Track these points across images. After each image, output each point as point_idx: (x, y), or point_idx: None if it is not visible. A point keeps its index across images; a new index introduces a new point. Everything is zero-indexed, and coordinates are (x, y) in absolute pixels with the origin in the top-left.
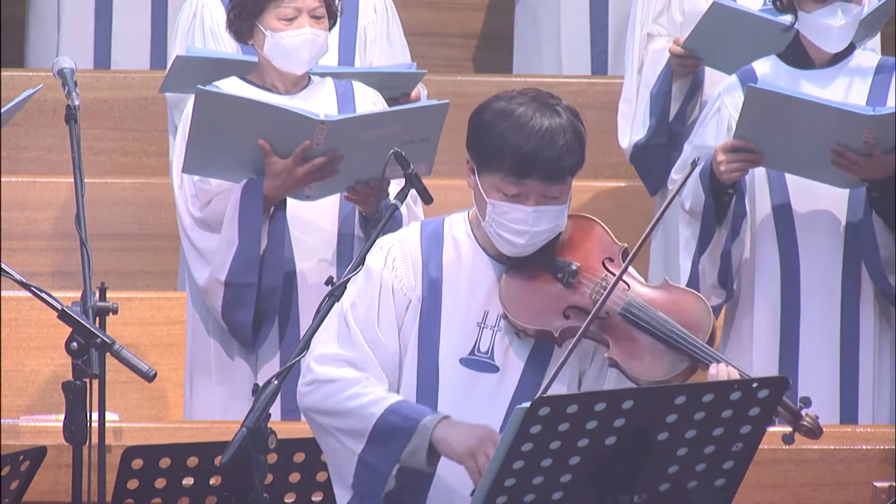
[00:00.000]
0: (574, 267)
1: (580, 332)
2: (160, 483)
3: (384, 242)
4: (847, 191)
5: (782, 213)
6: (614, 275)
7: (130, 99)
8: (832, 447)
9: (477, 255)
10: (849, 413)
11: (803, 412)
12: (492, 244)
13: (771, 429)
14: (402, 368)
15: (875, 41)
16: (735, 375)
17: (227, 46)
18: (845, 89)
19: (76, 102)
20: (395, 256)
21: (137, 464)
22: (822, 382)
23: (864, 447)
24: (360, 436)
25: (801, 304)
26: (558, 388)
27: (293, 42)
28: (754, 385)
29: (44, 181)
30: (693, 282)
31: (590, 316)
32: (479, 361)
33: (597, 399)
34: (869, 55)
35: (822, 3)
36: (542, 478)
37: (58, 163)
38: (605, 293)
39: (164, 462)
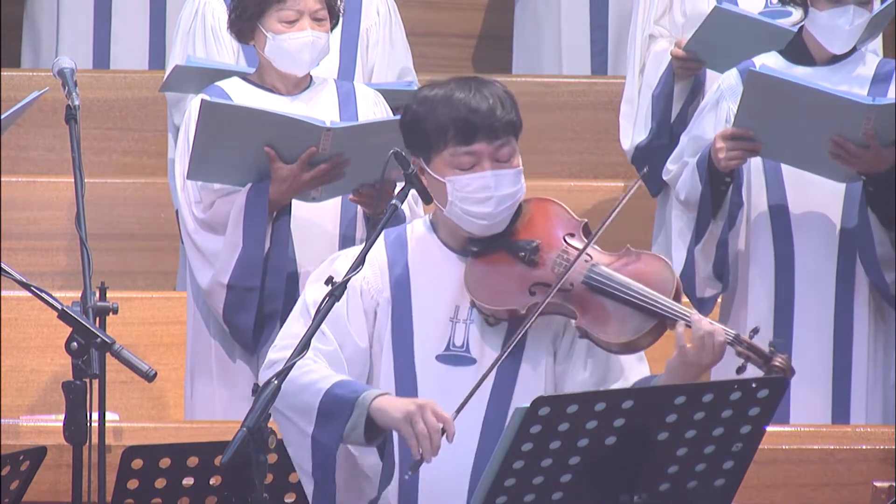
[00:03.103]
0: (535, 244)
1: (542, 304)
2: (160, 483)
3: (349, 252)
4: (843, 188)
5: (778, 210)
6: (576, 249)
7: (130, 99)
8: (832, 447)
9: (441, 253)
10: (841, 411)
11: (773, 354)
12: (455, 240)
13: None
14: (379, 370)
15: (877, 42)
16: (707, 326)
17: (228, 46)
18: (843, 88)
19: (76, 102)
20: None
21: (137, 464)
22: (815, 380)
23: (864, 447)
24: (310, 413)
25: (795, 301)
26: (531, 374)
27: (294, 44)
28: (754, 385)
29: (44, 181)
30: (687, 273)
31: (553, 288)
32: (455, 356)
33: (597, 399)
34: (869, 57)
35: (837, 4)
36: (542, 478)
37: (58, 163)
38: (567, 266)
39: (164, 462)
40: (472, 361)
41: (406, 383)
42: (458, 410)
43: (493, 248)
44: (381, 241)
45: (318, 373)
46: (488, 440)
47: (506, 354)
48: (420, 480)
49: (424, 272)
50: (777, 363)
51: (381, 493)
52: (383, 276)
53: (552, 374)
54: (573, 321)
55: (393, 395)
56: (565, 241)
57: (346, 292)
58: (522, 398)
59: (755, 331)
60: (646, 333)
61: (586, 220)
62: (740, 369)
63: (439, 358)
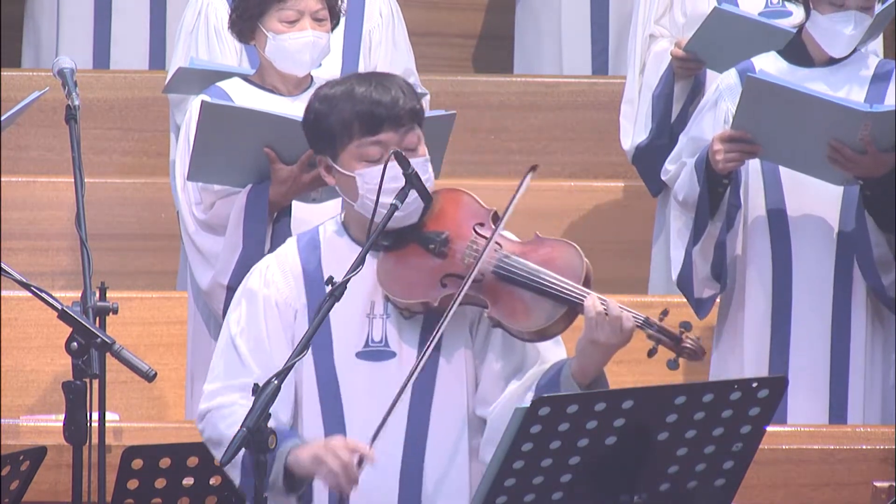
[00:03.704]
0: (444, 236)
1: (456, 298)
2: (160, 483)
3: (261, 263)
4: (841, 192)
5: (776, 213)
6: (485, 238)
7: (130, 99)
8: (832, 447)
9: (353, 251)
10: (838, 412)
11: (683, 335)
12: (367, 237)
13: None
14: (301, 374)
15: (877, 42)
16: (616, 310)
17: (231, 47)
18: (843, 90)
19: (76, 102)
20: (273, 273)
21: (137, 464)
22: (813, 382)
23: (864, 447)
24: (236, 465)
25: (792, 303)
26: (450, 367)
27: (295, 44)
28: (754, 385)
29: (44, 181)
30: (685, 273)
31: (466, 280)
32: (375, 351)
33: (597, 399)
34: (868, 58)
35: (839, 8)
36: (542, 478)
37: (58, 163)
38: (477, 256)
39: (164, 462)
40: (392, 355)
41: (328, 384)
42: (375, 437)
43: (404, 242)
44: (293, 246)
45: (238, 423)
46: (414, 437)
47: (423, 359)
48: None
49: (338, 272)
50: (687, 344)
51: None
52: (297, 283)
53: (472, 365)
54: (485, 311)
55: (309, 443)
56: (475, 230)
57: (263, 309)
58: (443, 392)
59: (664, 313)
60: (557, 321)
61: (495, 208)
62: (651, 352)
63: (359, 355)
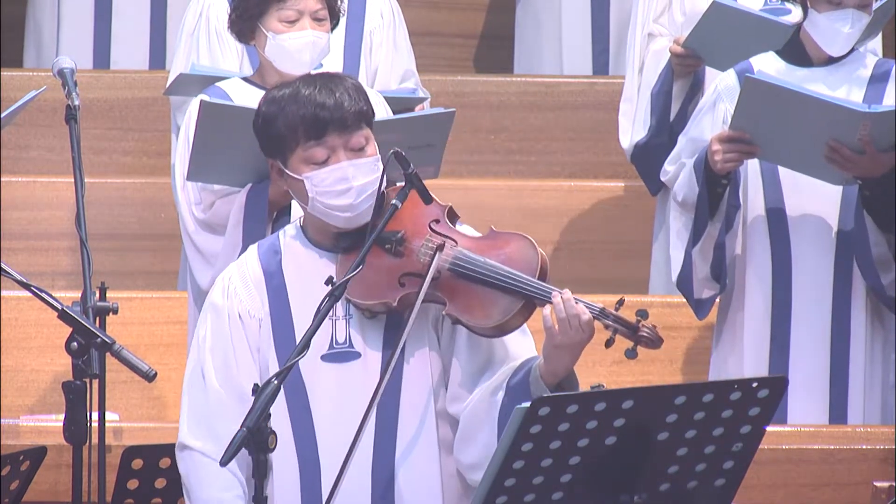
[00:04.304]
0: (400, 235)
1: (416, 303)
2: (160, 483)
3: (224, 274)
4: (840, 192)
5: (775, 213)
6: (440, 235)
7: (130, 99)
8: (832, 447)
9: (312, 254)
10: (838, 412)
11: (640, 324)
12: (325, 237)
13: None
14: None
15: (876, 42)
16: (570, 306)
17: (232, 48)
18: (841, 90)
19: (76, 102)
20: (235, 285)
21: (137, 464)
22: (813, 382)
23: (864, 447)
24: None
25: (792, 303)
26: (416, 366)
27: (295, 44)
28: (754, 385)
29: (44, 181)
30: (685, 273)
31: (424, 283)
32: (340, 353)
33: (597, 399)
34: (867, 57)
35: (837, 7)
36: (542, 478)
37: (58, 163)
38: (432, 254)
39: (164, 462)
40: (357, 356)
41: (294, 388)
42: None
43: (361, 243)
44: (254, 252)
45: (210, 489)
46: (383, 439)
47: (384, 379)
48: (322, 483)
49: (298, 276)
50: (644, 333)
51: None
52: (259, 290)
53: (438, 363)
54: (443, 309)
55: None
56: (430, 227)
57: (228, 326)
58: (410, 391)
59: (620, 302)
60: (515, 315)
61: (450, 204)
62: (609, 342)
63: (324, 357)
